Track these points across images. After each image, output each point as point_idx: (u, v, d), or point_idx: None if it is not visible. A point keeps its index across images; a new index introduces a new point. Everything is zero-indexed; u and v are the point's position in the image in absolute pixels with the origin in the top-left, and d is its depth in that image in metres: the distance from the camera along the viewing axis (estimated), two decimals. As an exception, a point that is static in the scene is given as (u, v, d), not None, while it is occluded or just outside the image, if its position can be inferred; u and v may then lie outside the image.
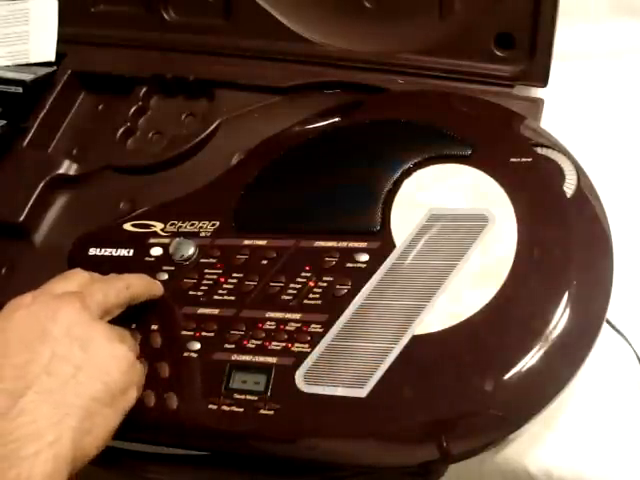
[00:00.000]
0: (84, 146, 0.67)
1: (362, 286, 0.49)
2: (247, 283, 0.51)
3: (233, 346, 0.49)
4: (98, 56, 0.70)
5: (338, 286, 0.50)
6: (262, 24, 0.66)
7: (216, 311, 0.51)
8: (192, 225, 0.54)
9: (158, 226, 0.55)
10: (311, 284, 0.50)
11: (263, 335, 0.49)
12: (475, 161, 0.53)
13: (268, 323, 0.49)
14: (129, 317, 0.50)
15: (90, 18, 0.71)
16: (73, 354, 0.43)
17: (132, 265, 0.54)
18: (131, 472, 0.51)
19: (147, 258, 0.54)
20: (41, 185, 0.63)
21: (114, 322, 0.48)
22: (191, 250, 0.53)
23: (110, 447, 0.49)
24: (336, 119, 0.59)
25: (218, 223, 0.54)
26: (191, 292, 0.52)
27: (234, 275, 0.52)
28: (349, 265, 0.50)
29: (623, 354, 0.53)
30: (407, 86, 0.63)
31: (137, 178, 0.64)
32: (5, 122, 0.66)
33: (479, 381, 0.45)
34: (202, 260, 0.53)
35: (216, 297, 0.51)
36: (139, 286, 0.50)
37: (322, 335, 0.48)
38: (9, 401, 0.40)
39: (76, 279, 0.48)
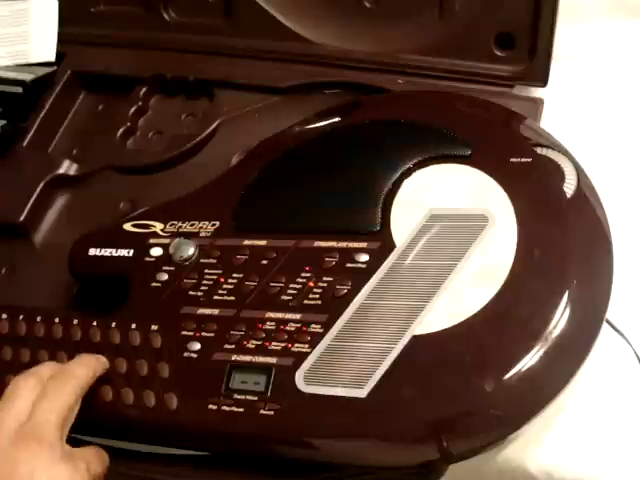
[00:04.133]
0: (84, 146, 0.67)
1: (362, 286, 0.49)
2: (247, 283, 0.51)
3: (233, 346, 0.49)
4: (98, 56, 0.70)
5: (338, 286, 0.50)
6: (262, 24, 0.66)
7: (216, 311, 0.51)
8: (192, 225, 0.54)
9: (158, 226, 0.55)
10: (311, 284, 0.50)
11: (263, 335, 0.49)
12: (475, 161, 0.53)
13: (268, 323, 0.49)
14: (129, 316, 0.50)
15: (90, 18, 0.71)
16: None
17: (132, 265, 0.54)
18: (131, 472, 0.51)
19: (147, 258, 0.54)
20: (41, 185, 0.63)
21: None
22: (191, 250, 0.53)
23: (110, 447, 0.49)
24: (336, 119, 0.58)
25: (218, 223, 0.54)
26: (191, 292, 0.52)
27: (234, 275, 0.51)
28: (349, 265, 0.50)
29: (623, 354, 0.53)
30: (407, 86, 0.63)
31: (137, 178, 0.64)
32: (5, 122, 0.65)
33: (479, 381, 0.45)
34: (202, 260, 0.53)
35: (216, 297, 0.51)
36: (85, 373, 0.47)
37: (322, 335, 0.48)
38: None
39: (20, 403, 0.44)
